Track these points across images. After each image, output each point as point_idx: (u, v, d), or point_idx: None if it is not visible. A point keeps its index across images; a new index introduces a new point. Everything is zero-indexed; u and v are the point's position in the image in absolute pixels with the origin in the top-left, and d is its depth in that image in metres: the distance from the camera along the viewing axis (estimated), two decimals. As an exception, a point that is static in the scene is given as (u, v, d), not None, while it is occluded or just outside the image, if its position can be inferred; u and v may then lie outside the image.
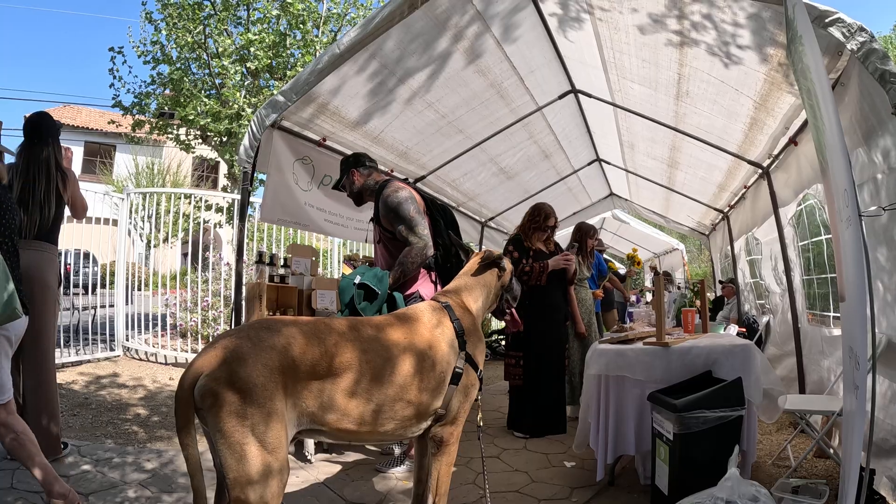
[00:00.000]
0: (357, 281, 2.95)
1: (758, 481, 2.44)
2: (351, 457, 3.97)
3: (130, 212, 7.00)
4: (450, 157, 5.73)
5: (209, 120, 10.73)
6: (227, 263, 7.44)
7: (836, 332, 3.91)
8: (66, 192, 3.49)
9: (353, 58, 3.64)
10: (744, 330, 6.00)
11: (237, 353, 1.79)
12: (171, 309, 7.30)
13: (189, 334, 6.93)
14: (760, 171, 4.90)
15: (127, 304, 6.94)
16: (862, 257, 1.90)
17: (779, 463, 3.74)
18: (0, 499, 2.89)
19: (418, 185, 5.92)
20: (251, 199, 4.82)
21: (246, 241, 4.32)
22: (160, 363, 6.57)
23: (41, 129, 3.45)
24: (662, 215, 9.19)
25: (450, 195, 6.79)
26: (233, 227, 8.61)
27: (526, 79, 4.75)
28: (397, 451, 3.80)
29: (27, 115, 3.53)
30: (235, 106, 10.52)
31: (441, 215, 3.41)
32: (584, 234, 5.65)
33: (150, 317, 7.31)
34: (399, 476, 3.57)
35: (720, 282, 8.92)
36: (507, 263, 2.85)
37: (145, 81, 11.67)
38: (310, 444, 3.83)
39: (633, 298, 11.21)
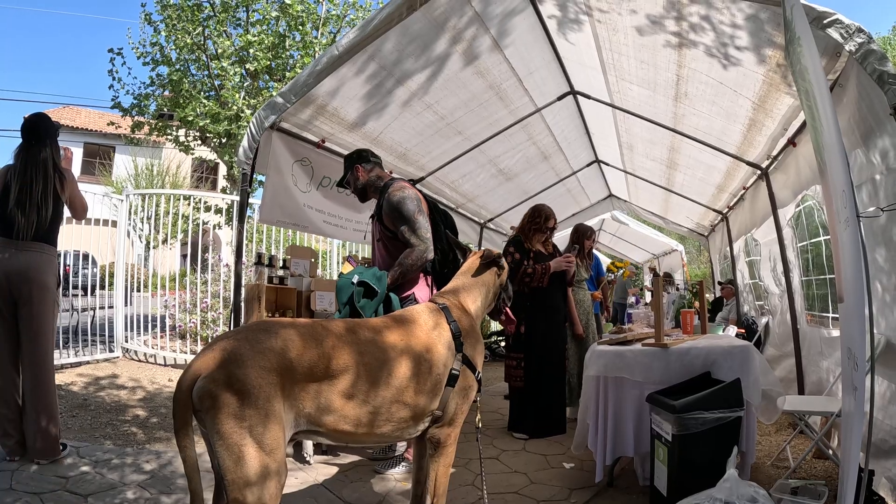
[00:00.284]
0: (355, 280, 2.95)
1: (757, 482, 2.44)
2: (349, 458, 3.96)
3: (129, 213, 7.00)
4: (449, 158, 5.73)
5: (208, 121, 10.73)
6: (227, 265, 7.44)
7: (835, 332, 3.92)
8: (63, 193, 3.48)
9: (351, 59, 3.65)
10: (743, 331, 6.00)
11: (235, 355, 1.79)
12: (171, 310, 7.29)
13: (188, 335, 6.93)
14: (759, 172, 4.91)
15: (126, 305, 6.93)
16: (860, 258, 1.90)
17: (778, 464, 3.74)
18: (-1, 500, 2.89)
19: (417, 186, 5.92)
20: (250, 200, 4.82)
21: (245, 242, 4.33)
22: (159, 364, 6.57)
23: (39, 130, 3.44)
24: (661, 216, 9.19)
25: (449, 196, 6.80)
26: (232, 229, 8.61)
27: (525, 80, 4.75)
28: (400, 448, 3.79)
29: (26, 116, 3.52)
30: (234, 107, 10.52)
31: (442, 219, 3.41)
32: (582, 236, 5.65)
33: (150, 318, 7.30)
34: (397, 477, 3.57)
35: (719, 283, 8.92)
36: (504, 262, 2.85)
37: (144, 83, 11.71)
38: (308, 445, 3.83)
39: (633, 299, 11.22)
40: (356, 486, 3.44)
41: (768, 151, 4.51)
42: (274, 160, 4.27)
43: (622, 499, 3.26)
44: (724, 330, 4.86)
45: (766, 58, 3.22)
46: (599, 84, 4.84)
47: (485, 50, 4.15)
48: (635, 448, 3.26)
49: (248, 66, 10.84)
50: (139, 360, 6.67)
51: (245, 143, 3.87)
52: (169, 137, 12.20)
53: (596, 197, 9.11)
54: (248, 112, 10.46)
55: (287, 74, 11.22)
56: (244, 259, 4.27)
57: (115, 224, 6.91)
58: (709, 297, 9.53)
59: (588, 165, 7.50)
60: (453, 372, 2.37)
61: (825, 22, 2.50)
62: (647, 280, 16.85)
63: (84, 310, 7.04)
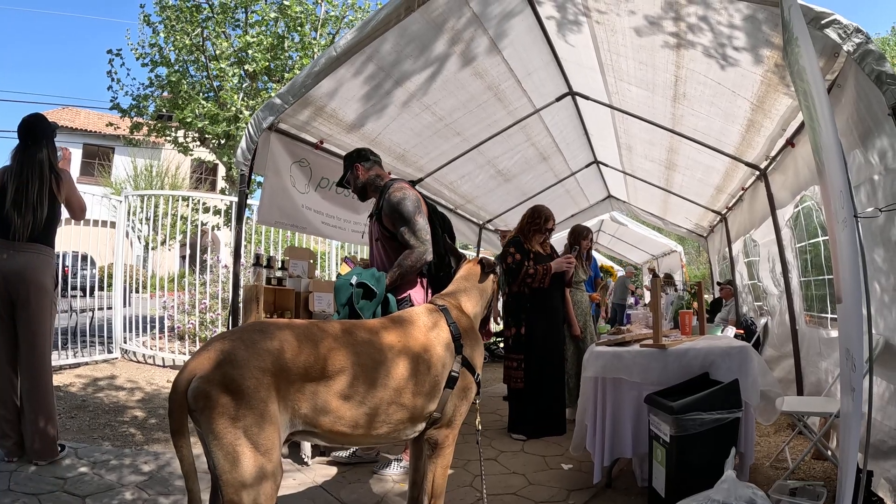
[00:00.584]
0: (354, 281, 2.94)
1: (756, 483, 2.44)
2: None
3: (128, 214, 6.99)
4: (447, 159, 5.73)
5: (207, 122, 10.72)
6: (225, 266, 7.43)
7: (834, 333, 3.91)
8: (60, 194, 3.47)
9: (349, 60, 3.64)
10: (742, 332, 5.99)
11: (230, 355, 1.79)
12: (169, 311, 7.29)
13: (187, 336, 6.92)
14: (758, 172, 4.91)
15: (125, 306, 6.93)
16: (858, 259, 1.90)
17: (777, 465, 3.74)
18: (-4, 501, 2.89)
19: (416, 187, 5.91)
20: (249, 201, 4.82)
21: (244, 243, 4.32)
22: (158, 365, 6.56)
23: (35, 131, 3.44)
24: (660, 217, 9.18)
25: (448, 197, 6.79)
26: (231, 230, 8.60)
27: (523, 81, 4.75)
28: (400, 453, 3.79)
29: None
30: (233, 108, 10.51)
31: (440, 223, 3.41)
32: (579, 237, 5.64)
33: (148, 319, 7.30)
34: (395, 478, 3.56)
35: (718, 283, 8.92)
36: (499, 271, 2.89)
37: (143, 84, 11.69)
38: (306, 446, 3.82)
39: (632, 300, 11.23)
40: (354, 487, 3.43)
41: (767, 152, 4.51)
42: (272, 161, 4.26)
43: (620, 500, 3.25)
44: (722, 331, 4.85)
45: (764, 58, 3.22)
46: (598, 85, 4.83)
47: (483, 51, 4.15)
48: (633, 449, 3.25)
49: (246, 67, 10.84)
50: (138, 362, 6.66)
51: (243, 144, 3.87)
52: (168, 138, 12.19)
53: (595, 198, 9.11)
54: (246, 113, 10.45)
55: (286, 75, 11.21)
56: (243, 260, 4.26)
57: (114, 225, 6.91)
58: (708, 297, 9.52)
59: (587, 166, 7.50)
60: (453, 373, 2.37)
61: (823, 22, 2.49)
62: (647, 280, 16.85)
63: (83, 311, 7.03)
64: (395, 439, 2.31)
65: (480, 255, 2.93)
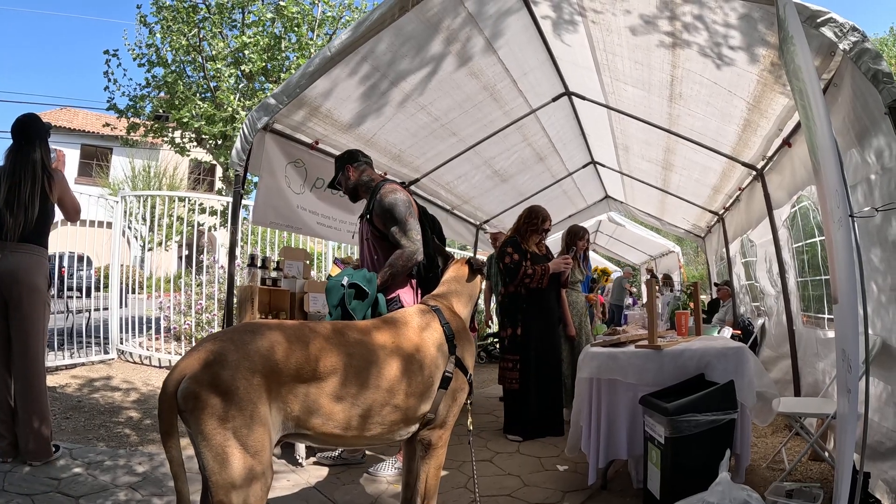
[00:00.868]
0: (345, 282, 2.94)
1: (752, 485, 2.43)
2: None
3: (125, 214, 6.97)
4: (443, 159, 5.71)
5: (203, 123, 10.71)
6: (222, 266, 7.41)
7: (831, 334, 3.90)
8: (52, 194, 3.46)
9: (344, 60, 3.63)
10: (739, 332, 5.98)
11: (220, 356, 1.78)
12: (165, 312, 7.27)
13: (183, 337, 6.90)
14: (754, 172, 4.90)
15: (121, 306, 6.90)
16: (854, 259, 1.89)
17: (773, 466, 3.72)
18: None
19: (412, 187, 5.91)
20: (244, 201, 4.80)
21: (240, 243, 4.31)
22: (154, 366, 6.54)
23: (29, 131, 3.43)
24: (658, 218, 9.18)
25: (444, 198, 6.77)
26: (227, 230, 8.58)
27: (519, 81, 4.74)
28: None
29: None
30: (230, 109, 10.50)
31: (430, 225, 3.40)
32: (575, 237, 5.63)
33: (145, 320, 7.28)
34: (389, 479, 3.55)
35: (715, 284, 8.91)
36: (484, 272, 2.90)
37: (140, 84, 11.69)
38: (300, 447, 3.81)
39: (630, 301, 11.21)
40: (348, 488, 3.42)
41: (763, 152, 4.50)
42: (267, 162, 4.25)
43: (615, 502, 3.24)
44: (719, 331, 4.84)
45: (760, 57, 3.21)
46: (594, 85, 4.82)
47: (479, 51, 4.13)
48: (629, 450, 3.24)
49: (243, 67, 10.83)
50: (134, 362, 6.64)
51: (238, 144, 3.85)
52: (165, 139, 12.17)
53: (592, 198, 9.10)
54: (243, 114, 10.44)
55: (282, 76, 11.19)
56: (238, 260, 4.25)
57: (111, 226, 6.89)
58: (705, 298, 9.51)
59: (584, 167, 7.48)
60: (446, 374, 2.36)
61: (819, 21, 2.48)
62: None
63: (79, 311, 7.01)
64: (388, 440, 2.30)
65: (468, 256, 2.92)
